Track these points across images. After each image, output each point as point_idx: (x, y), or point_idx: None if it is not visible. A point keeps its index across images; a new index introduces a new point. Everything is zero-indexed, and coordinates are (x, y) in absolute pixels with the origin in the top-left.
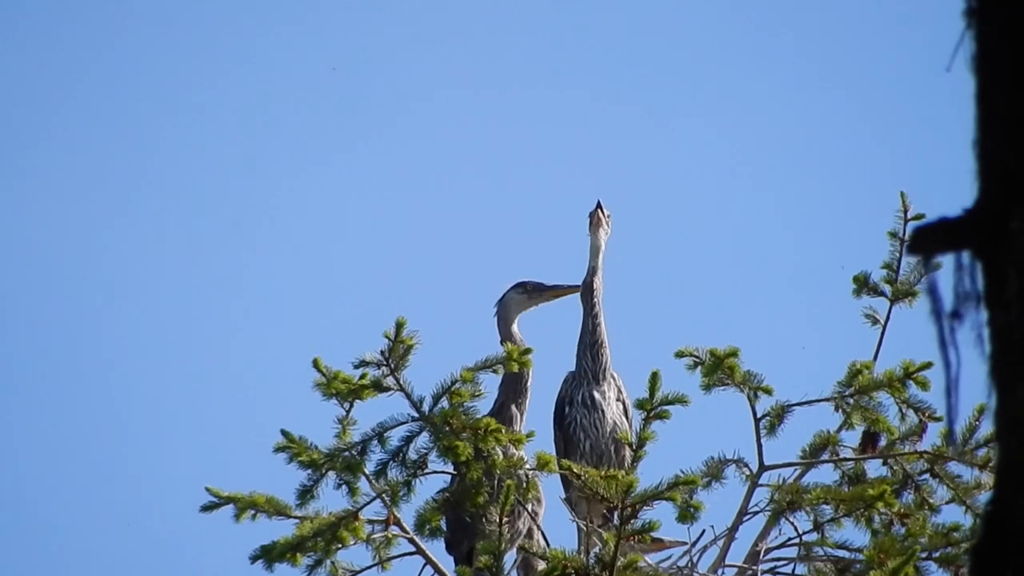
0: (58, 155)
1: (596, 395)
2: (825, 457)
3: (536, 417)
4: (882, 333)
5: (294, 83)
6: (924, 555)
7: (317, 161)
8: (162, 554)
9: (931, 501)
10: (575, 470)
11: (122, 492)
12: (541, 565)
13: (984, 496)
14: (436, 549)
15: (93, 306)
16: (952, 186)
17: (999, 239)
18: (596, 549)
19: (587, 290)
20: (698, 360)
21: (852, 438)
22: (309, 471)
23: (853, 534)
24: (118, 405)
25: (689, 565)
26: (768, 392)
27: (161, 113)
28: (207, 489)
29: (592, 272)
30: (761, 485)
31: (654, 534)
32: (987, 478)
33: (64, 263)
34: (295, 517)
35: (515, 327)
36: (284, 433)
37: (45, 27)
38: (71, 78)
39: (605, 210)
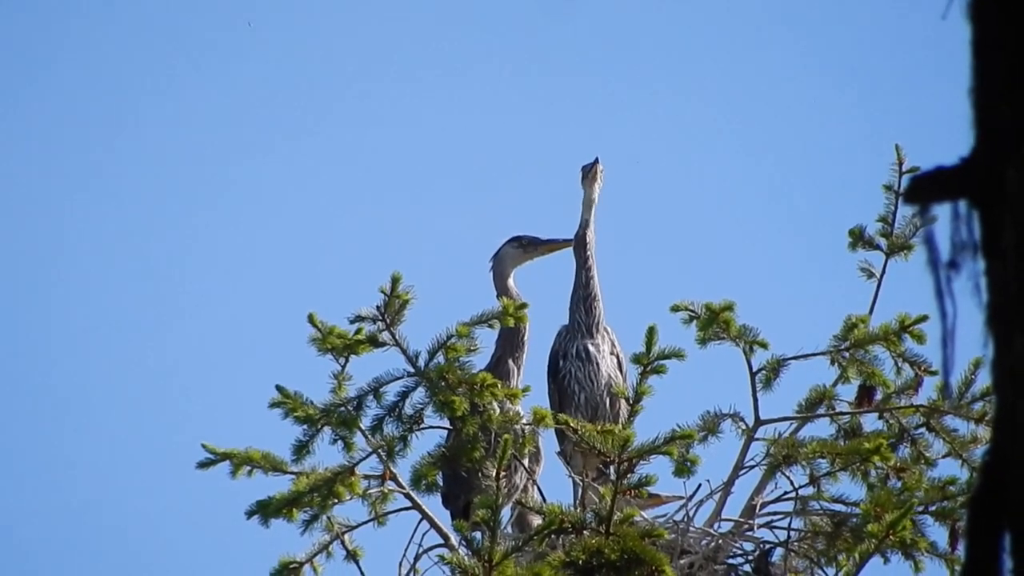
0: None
1: (590, 348)
2: (821, 411)
3: (530, 371)
4: (878, 286)
5: (286, 44)
6: (920, 509)
7: (310, 115)
8: (159, 511)
9: (927, 455)
10: (572, 424)
11: (118, 451)
12: (536, 520)
13: (980, 450)
14: (432, 504)
15: (87, 264)
16: (948, 137)
17: (996, 188)
18: (593, 504)
19: (580, 244)
20: (694, 314)
21: (848, 392)
22: (305, 427)
23: (849, 488)
24: (111, 365)
25: (685, 519)
26: (764, 346)
27: (146, 68)
28: (203, 446)
29: (585, 226)
30: (757, 439)
31: (651, 489)
32: (983, 431)
33: (58, 224)
34: (291, 473)
35: (511, 281)
36: (279, 389)
37: None
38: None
39: (600, 165)
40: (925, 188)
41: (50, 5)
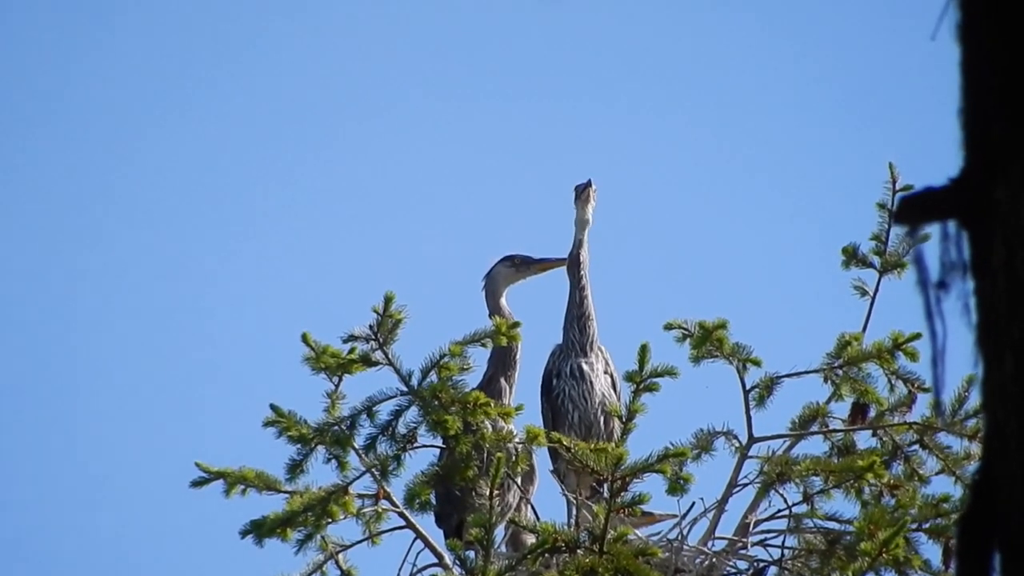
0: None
1: (584, 366)
2: (814, 428)
3: (523, 390)
4: (871, 304)
5: (276, 61)
6: (914, 526)
7: (302, 133)
8: (152, 531)
9: (921, 472)
10: (565, 443)
11: (111, 470)
12: (530, 540)
13: (974, 467)
14: (426, 523)
15: (83, 286)
16: (943, 155)
17: (985, 208)
18: (586, 523)
19: (573, 263)
20: (687, 332)
21: (841, 409)
22: (299, 446)
23: (843, 506)
24: (107, 383)
25: (679, 537)
26: (757, 364)
27: (146, 95)
28: (197, 464)
29: (578, 245)
30: (751, 457)
31: (644, 507)
32: (976, 448)
33: (54, 243)
34: (285, 492)
35: (503, 300)
36: (273, 407)
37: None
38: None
39: (594, 186)
40: (915, 209)
41: (49, 18)
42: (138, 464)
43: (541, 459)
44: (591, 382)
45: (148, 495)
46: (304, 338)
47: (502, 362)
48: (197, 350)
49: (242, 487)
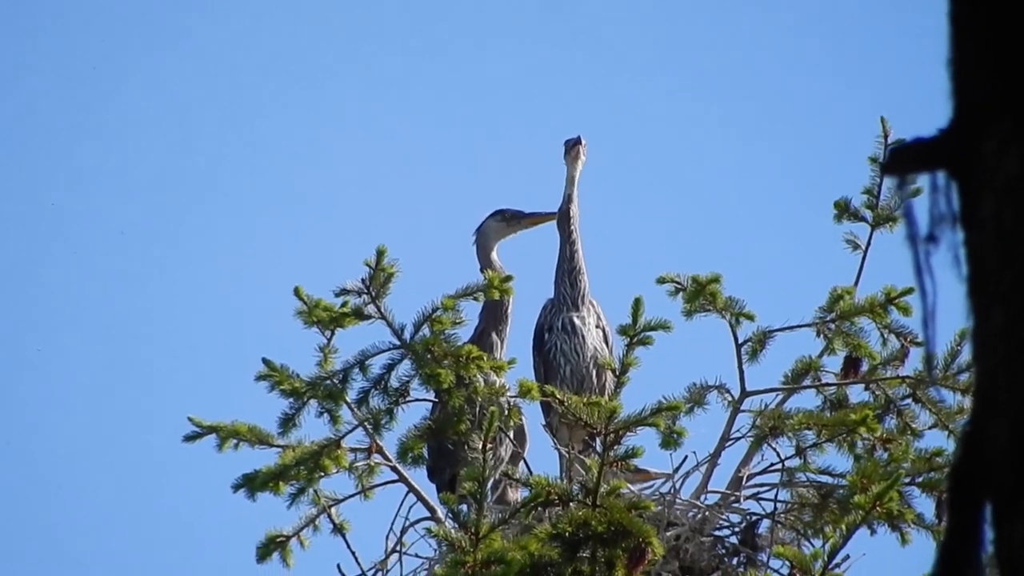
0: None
1: (576, 320)
2: (807, 382)
3: (515, 345)
4: (863, 258)
5: (274, 14)
6: (907, 480)
7: (296, 90)
8: (145, 485)
9: (913, 426)
10: (558, 396)
11: (103, 423)
12: (516, 498)
13: (966, 420)
14: (418, 477)
15: (74, 233)
16: (933, 110)
17: (974, 159)
18: (579, 477)
19: (564, 217)
20: (680, 286)
21: (834, 363)
22: (291, 400)
23: (836, 459)
24: (101, 338)
25: (672, 491)
26: (750, 318)
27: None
28: (189, 419)
29: (568, 200)
30: (743, 411)
31: (638, 463)
32: (969, 402)
33: (48, 209)
34: (277, 446)
35: (494, 255)
36: (265, 362)
37: None
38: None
39: (584, 142)
40: (904, 160)
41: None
42: (130, 419)
43: (533, 415)
44: (583, 336)
45: (140, 450)
46: (296, 292)
47: (493, 316)
48: (189, 304)
49: (235, 441)
